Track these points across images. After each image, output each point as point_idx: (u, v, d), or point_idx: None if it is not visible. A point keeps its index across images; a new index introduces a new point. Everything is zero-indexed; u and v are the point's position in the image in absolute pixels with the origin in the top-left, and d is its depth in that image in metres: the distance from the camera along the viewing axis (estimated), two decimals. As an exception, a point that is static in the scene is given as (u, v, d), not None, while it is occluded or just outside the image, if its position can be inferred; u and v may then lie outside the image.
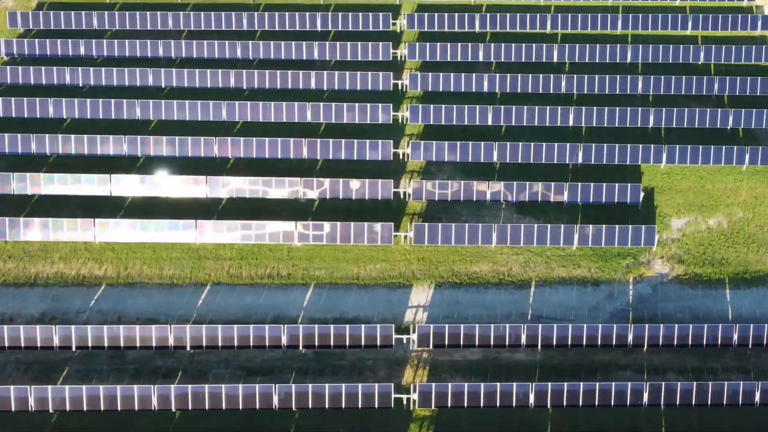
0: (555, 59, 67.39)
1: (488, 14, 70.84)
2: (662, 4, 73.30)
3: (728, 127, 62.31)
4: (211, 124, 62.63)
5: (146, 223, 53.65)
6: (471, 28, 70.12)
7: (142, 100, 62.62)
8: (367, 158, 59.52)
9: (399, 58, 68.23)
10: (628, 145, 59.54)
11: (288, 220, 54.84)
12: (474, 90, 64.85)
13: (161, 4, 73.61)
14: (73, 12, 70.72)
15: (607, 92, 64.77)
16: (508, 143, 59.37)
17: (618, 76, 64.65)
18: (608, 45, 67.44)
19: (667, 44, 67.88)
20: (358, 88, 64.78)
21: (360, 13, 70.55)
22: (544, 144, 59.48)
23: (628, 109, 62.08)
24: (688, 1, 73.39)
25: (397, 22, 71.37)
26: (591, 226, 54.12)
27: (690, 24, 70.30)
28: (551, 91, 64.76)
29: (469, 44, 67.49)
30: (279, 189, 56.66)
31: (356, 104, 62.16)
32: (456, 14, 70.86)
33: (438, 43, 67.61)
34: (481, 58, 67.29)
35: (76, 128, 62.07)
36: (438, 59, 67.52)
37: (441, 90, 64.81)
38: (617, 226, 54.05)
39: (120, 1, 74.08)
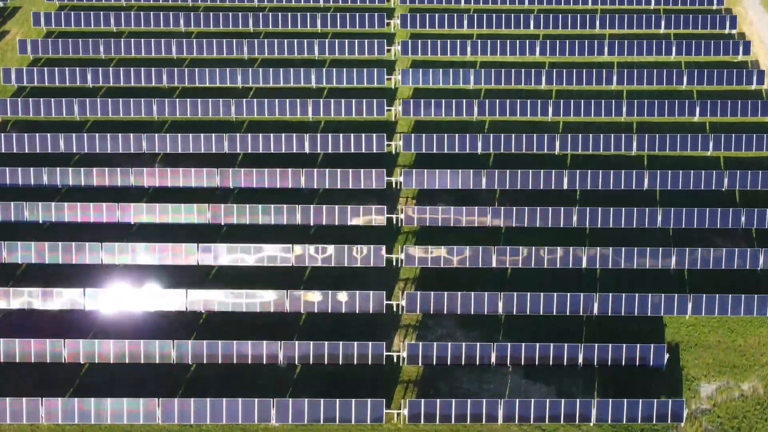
0: (565, 185, 61.35)
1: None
2: (680, 120, 67.56)
3: (758, 268, 56.03)
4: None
5: (100, 402, 46.91)
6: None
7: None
8: (358, 310, 53.20)
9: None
10: (649, 295, 53.16)
11: (266, 396, 48.20)
12: (476, 223, 58.72)
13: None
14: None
15: (623, 226, 58.62)
16: (515, 293, 53.05)
17: (635, 209, 58.53)
18: (623, 171, 61.40)
19: (687, 170, 61.70)
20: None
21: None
22: (555, 294, 53.13)
23: (648, 249, 55.87)
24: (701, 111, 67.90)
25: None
26: (610, 401, 47.54)
27: (711, 144, 64.38)
28: (572, 267, 58.77)
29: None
30: (257, 351, 50.14)
31: (347, 246, 56.31)
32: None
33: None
34: (483, 186, 61.32)
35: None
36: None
37: (439, 224, 58.68)
38: (640, 400, 47.48)
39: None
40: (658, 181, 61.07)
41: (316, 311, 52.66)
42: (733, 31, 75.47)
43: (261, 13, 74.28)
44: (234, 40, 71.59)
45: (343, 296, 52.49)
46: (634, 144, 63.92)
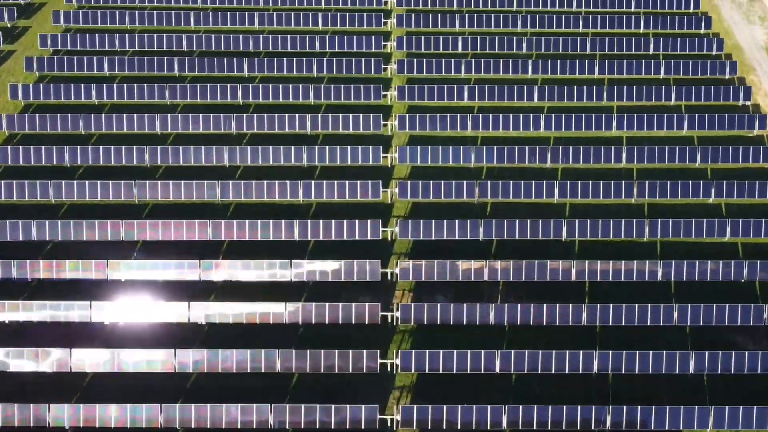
0: (573, 277, 57.09)
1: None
2: (694, 202, 63.59)
3: (785, 372, 51.79)
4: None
5: None
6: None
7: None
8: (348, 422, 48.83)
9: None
10: (667, 407, 48.79)
11: None
12: (478, 322, 54.46)
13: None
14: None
15: (636, 324, 54.40)
16: (521, 406, 48.65)
17: (649, 305, 54.36)
18: (638, 261, 57.30)
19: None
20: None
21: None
22: (564, 407, 48.75)
23: (664, 353, 51.61)
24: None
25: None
26: None
27: (729, 230, 60.28)
28: (572, 323, 54.50)
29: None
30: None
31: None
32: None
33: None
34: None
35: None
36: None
37: (437, 322, 54.41)
38: None
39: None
40: (672, 272, 56.93)
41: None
42: (748, 103, 71.82)
43: (251, 85, 70.47)
44: (222, 115, 67.90)
45: (331, 414, 48.14)
46: (646, 229, 59.84)
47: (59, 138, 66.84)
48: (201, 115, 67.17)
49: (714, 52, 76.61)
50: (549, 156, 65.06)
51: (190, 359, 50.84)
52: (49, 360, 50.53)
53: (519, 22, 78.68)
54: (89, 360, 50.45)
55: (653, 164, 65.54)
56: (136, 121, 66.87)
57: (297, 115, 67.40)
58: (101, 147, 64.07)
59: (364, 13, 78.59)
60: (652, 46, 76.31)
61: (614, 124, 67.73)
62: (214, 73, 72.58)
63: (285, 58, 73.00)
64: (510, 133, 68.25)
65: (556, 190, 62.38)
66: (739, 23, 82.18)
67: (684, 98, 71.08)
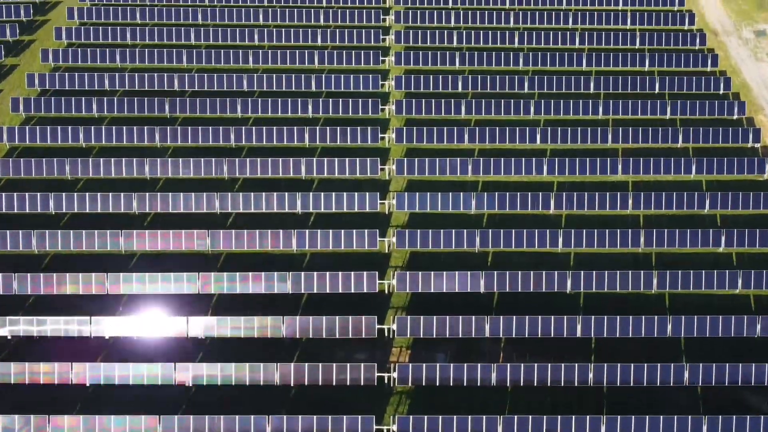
0: (579, 333, 54.57)
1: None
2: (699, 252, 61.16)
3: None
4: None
5: None
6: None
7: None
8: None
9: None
10: (680, 478, 46.16)
11: None
12: (479, 383, 51.88)
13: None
14: (59, 127, 69.35)
15: (645, 384, 51.84)
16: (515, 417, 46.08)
17: (659, 365, 51.72)
18: (647, 317, 54.82)
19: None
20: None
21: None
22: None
23: (675, 418, 49.00)
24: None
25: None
26: None
27: (740, 283, 57.83)
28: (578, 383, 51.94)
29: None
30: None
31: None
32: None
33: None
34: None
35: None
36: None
37: (437, 383, 51.85)
38: None
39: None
40: (683, 327, 54.37)
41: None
42: (757, 145, 69.56)
43: (244, 127, 68.23)
44: (213, 159, 65.71)
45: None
46: (654, 281, 57.35)
47: (43, 184, 64.47)
48: (192, 159, 64.83)
49: (721, 91, 74.38)
50: (552, 202, 62.69)
51: (175, 425, 48.31)
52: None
53: (521, 60, 76.55)
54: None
55: (660, 210, 63.13)
56: (124, 165, 64.53)
57: (291, 159, 65.01)
58: (87, 194, 61.73)
59: (362, 51, 76.50)
60: (657, 85, 74.12)
61: (620, 168, 65.34)
62: (206, 114, 70.33)
63: (279, 99, 70.79)
64: (512, 178, 65.93)
65: (560, 239, 59.94)
66: (747, 60, 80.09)
67: (691, 140, 68.81)
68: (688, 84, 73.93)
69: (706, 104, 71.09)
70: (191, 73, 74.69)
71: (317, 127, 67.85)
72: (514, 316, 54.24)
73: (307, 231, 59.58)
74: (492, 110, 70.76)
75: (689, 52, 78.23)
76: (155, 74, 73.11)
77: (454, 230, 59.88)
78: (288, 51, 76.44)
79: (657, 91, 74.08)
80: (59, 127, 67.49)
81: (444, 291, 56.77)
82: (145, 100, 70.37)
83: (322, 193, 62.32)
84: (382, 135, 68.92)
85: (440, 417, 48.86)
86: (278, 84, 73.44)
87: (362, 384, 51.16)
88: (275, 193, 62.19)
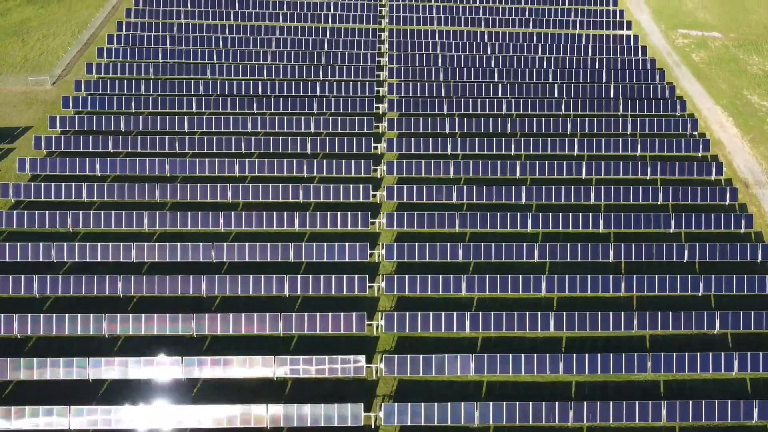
0: (571, 421, 52.97)
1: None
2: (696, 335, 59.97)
3: None
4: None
5: None
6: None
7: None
8: None
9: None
10: None
11: None
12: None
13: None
14: (47, 212, 67.61)
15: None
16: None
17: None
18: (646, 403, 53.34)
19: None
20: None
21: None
22: None
23: None
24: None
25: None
26: None
27: (737, 366, 56.45)
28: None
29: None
30: None
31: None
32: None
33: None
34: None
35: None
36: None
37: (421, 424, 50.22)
38: None
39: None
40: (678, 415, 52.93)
41: None
42: (750, 230, 69.10)
43: (233, 212, 67.89)
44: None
45: None
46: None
47: (27, 267, 63.81)
48: (179, 243, 64.28)
49: (713, 177, 74.29)
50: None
51: None
52: None
53: (512, 147, 76.76)
54: None
55: (654, 293, 62.32)
56: (111, 250, 63.98)
57: (279, 244, 64.48)
58: (71, 275, 60.99)
59: (354, 137, 76.75)
60: (649, 170, 74.06)
61: (611, 253, 64.79)
62: (197, 199, 70.00)
63: (270, 185, 70.65)
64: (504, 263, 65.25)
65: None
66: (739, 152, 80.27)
67: (684, 226, 68.33)
68: (680, 169, 74.12)
69: (699, 190, 70.94)
70: (183, 158, 74.71)
71: (307, 212, 67.53)
72: (504, 403, 52.81)
73: (293, 314, 58.61)
74: (483, 196, 70.57)
75: (681, 138, 78.59)
76: (146, 160, 73.15)
77: (443, 313, 58.88)
78: (280, 137, 76.65)
79: (649, 176, 74.02)
80: (47, 212, 67.16)
81: (433, 374, 55.49)
82: (135, 186, 70.25)
83: (311, 276, 61.59)
84: (373, 220, 68.36)
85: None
86: (270, 169, 73.23)
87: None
88: (263, 276, 61.46)
